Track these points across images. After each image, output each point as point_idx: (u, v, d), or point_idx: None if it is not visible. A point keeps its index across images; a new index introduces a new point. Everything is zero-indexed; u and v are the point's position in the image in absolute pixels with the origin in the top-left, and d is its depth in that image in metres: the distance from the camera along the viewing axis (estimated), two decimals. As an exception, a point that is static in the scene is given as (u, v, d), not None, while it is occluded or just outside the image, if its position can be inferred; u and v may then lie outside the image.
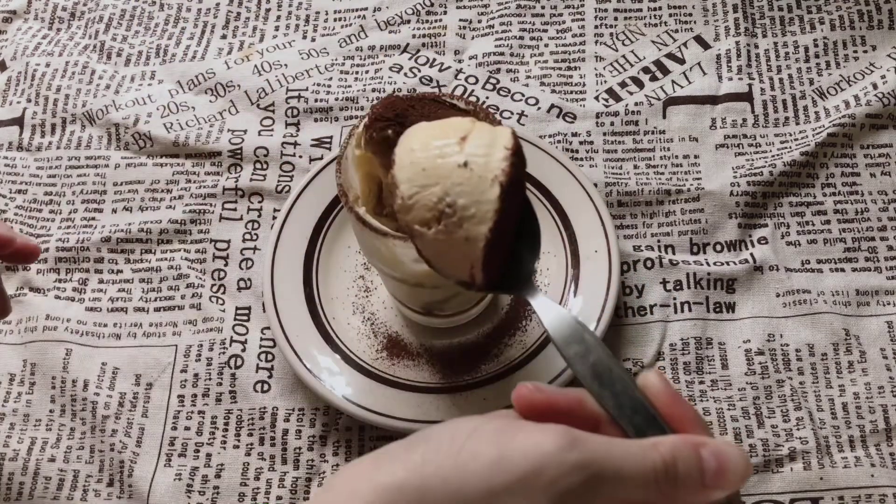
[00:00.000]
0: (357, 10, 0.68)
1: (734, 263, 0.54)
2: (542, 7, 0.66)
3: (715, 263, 0.55)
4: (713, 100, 0.61)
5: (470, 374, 0.51)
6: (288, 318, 0.52)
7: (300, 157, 0.61)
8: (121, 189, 0.61)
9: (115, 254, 0.59)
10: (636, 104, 0.61)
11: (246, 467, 0.51)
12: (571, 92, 0.62)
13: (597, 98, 0.62)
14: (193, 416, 0.53)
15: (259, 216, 0.59)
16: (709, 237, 0.56)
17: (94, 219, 0.60)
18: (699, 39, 0.64)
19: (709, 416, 0.50)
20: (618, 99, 0.62)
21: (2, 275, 0.59)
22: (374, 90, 0.63)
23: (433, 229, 0.36)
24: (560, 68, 0.63)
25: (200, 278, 0.57)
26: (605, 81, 0.62)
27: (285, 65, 0.65)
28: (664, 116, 0.61)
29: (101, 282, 0.58)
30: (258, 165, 0.61)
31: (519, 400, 0.32)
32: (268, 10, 0.69)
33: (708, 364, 0.52)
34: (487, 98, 0.62)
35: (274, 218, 0.58)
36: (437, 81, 0.63)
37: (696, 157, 0.59)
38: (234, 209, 0.59)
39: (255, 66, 0.65)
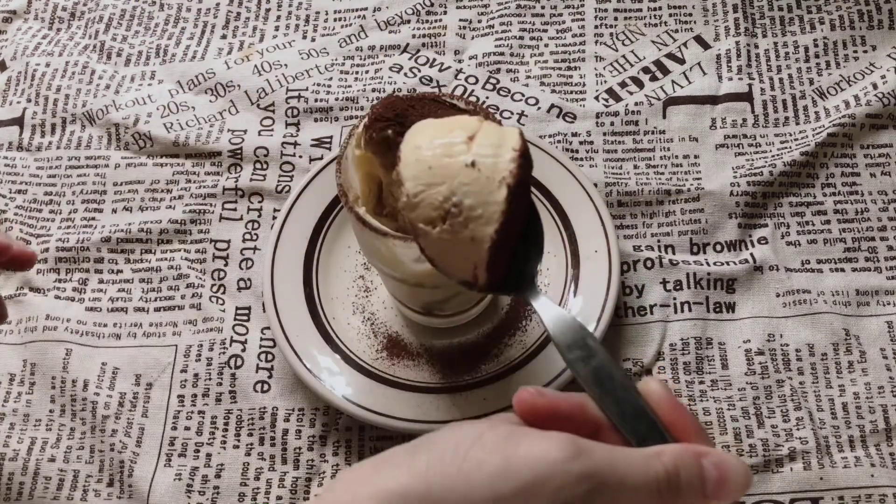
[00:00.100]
0: (357, 10, 0.68)
1: (734, 263, 0.54)
2: (542, 7, 0.66)
3: (715, 263, 0.55)
4: (713, 100, 0.61)
5: (470, 374, 0.51)
6: (288, 318, 0.52)
7: (300, 157, 0.61)
8: (121, 189, 0.61)
9: (115, 254, 0.59)
10: (636, 104, 0.61)
11: (246, 467, 0.51)
12: (571, 92, 0.62)
13: (597, 98, 0.62)
14: (193, 416, 0.53)
15: (259, 216, 0.59)
16: (709, 237, 0.56)
17: (94, 219, 0.60)
18: (699, 39, 0.64)
19: (709, 416, 0.50)
20: (618, 99, 0.62)
21: (2, 275, 0.59)
22: (374, 90, 0.63)
23: (438, 228, 0.36)
24: (560, 68, 0.63)
25: (200, 278, 0.57)
26: (605, 81, 0.62)
27: (285, 65, 0.65)
28: (664, 116, 0.61)
29: (101, 282, 0.58)
30: (258, 165, 0.61)
31: (521, 404, 0.32)
32: (268, 10, 0.69)
33: (708, 364, 0.52)
34: (487, 98, 0.62)
35: (274, 218, 0.58)
36: (437, 81, 0.63)
37: (696, 157, 0.59)
38: (234, 209, 0.59)
39: (255, 66, 0.65)
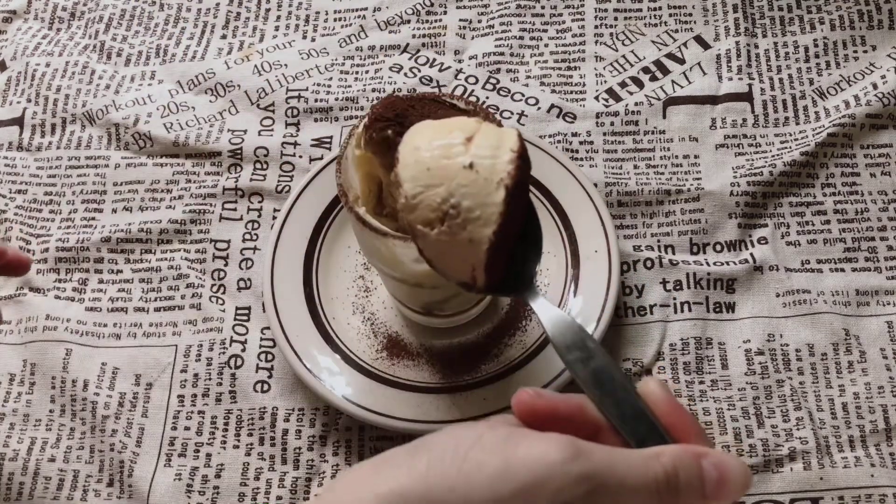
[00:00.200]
0: (357, 10, 0.68)
1: (734, 263, 0.54)
2: (542, 7, 0.66)
3: (715, 263, 0.55)
4: (713, 100, 0.61)
5: (470, 374, 0.51)
6: (288, 318, 0.52)
7: (300, 157, 0.61)
8: (121, 189, 0.61)
9: (115, 254, 0.59)
10: (636, 104, 0.61)
11: (246, 467, 0.51)
12: (571, 92, 0.62)
13: (597, 98, 0.62)
14: (193, 416, 0.53)
15: (259, 216, 0.59)
16: (709, 237, 0.56)
17: (94, 219, 0.60)
18: (699, 39, 0.64)
19: (709, 416, 0.50)
20: (618, 99, 0.62)
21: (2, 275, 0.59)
22: (374, 90, 0.63)
23: (436, 230, 0.36)
24: (560, 68, 0.63)
25: (200, 278, 0.57)
26: (605, 81, 0.62)
27: (285, 65, 0.65)
28: (664, 116, 0.61)
29: (101, 282, 0.58)
30: (258, 165, 0.61)
31: (520, 406, 0.32)
32: (268, 10, 0.69)
33: (708, 364, 0.52)
34: (487, 98, 0.62)
35: (274, 218, 0.58)
36: (437, 81, 0.63)
37: (696, 157, 0.59)
38: (234, 209, 0.59)
39: (255, 66, 0.65)
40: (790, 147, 0.58)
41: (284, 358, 0.52)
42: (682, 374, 0.52)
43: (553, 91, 0.62)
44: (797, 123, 0.60)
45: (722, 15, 0.64)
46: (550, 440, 0.29)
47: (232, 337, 0.55)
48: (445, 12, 0.67)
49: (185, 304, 0.56)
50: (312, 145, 0.61)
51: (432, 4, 0.67)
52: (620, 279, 0.53)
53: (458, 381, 0.51)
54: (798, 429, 0.49)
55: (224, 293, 0.56)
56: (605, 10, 0.66)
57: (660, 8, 0.65)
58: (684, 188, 0.57)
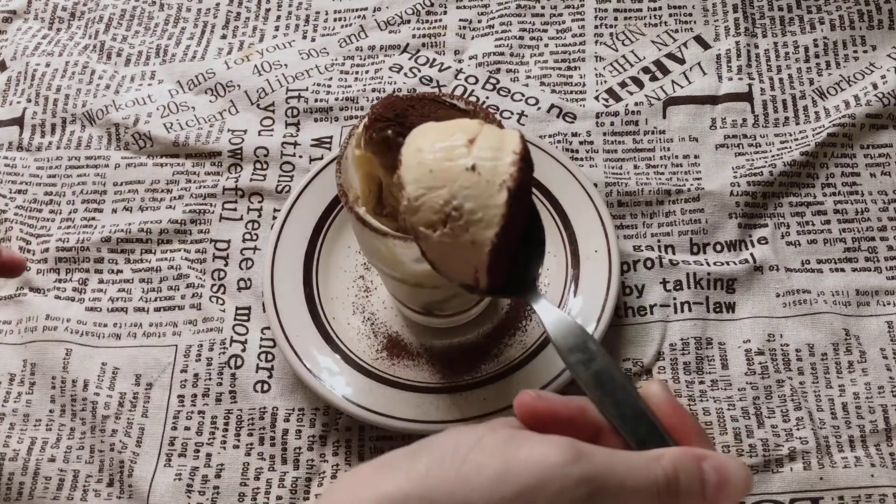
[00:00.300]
0: (357, 10, 0.68)
1: (734, 263, 0.54)
2: (542, 7, 0.66)
3: (715, 263, 0.55)
4: (713, 100, 0.61)
5: (470, 374, 0.51)
6: (288, 318, 0.52)
7: (300, 157, 0.61)
8: (121, 189, 0.61)
9: (115, 254, 0.59)
10: (636, 104, 0.61)
11: (246, 467, 0.51)
12: (571, 92, 0.62)
13: (597, 98, 0.62)
14: (193, 416, 0.53)
15: (259, 216, 0.59)
16: (709, 237, 0.56)
17: (94, 219, 0.60)
18: (699, 39, 0.64)
19: (709, 416, 0.50)
20: (618, 99, 0.62)
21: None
22: (374, 90, 0.63)
23: (439, 232, 0.36)
24: (560, 68, 0.63)
25: (200, 278, 0.57)
26: (605, 81, 0.63)
27: (285, 65, 0.65)
28: (664, 116, 0.61)
29: (101, 282, 0.58)
30: (258, 165, 0.61)
31: (521, 408, 0.32)
32: (268, 10, 0.69)
33: (708, 364, 0.52)
34: (487, 98, 0.62)
35: (274, 218, 0.58)
36: (437, 81, 0.63)
37: (696, 157, 0.59)
38: (234, 209, 0.59)
39: (255, 66, 0.65)
40: (790, 147, 0.58)
41: (284, 358, 0.52)
42: (682, 374, 0.52)
43: (553, 91, 0.62)
44: (797, 123, 0.60)
45: (722, 15, 0.64)
46: (551, 442, 0.29)
47: (232, 337, 0.55)
48: (445, 12, 0.67)
49: (185, 304, 0.56)
50: (312, 145, 0.61)
51: (432, 4, 0.67)
52: (620, 279, 0.53)
53: (458, 381, 0.51)
54: (798, 429, 0.49)
55: (224, 293, 0.56)
56: (605, 10, 0.66)
57: (660, 8, 0.65)
58: (684, 188, 0.57)
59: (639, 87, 0.62)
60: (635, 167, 0.59)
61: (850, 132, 0.58)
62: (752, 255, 0.55)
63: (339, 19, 0.68)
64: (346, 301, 0.55)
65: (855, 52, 0.62)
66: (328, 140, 0.61)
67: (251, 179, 0.60)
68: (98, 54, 0.68)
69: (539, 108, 0.61)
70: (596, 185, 0.56)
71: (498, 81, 0.63)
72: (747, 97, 0.61)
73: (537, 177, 0.55)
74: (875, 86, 0.60)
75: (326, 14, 0.68)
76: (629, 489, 0.29)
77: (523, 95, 0.62)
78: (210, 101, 0.64)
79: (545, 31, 0.65)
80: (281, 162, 0.61)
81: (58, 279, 0.58)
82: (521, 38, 0.65)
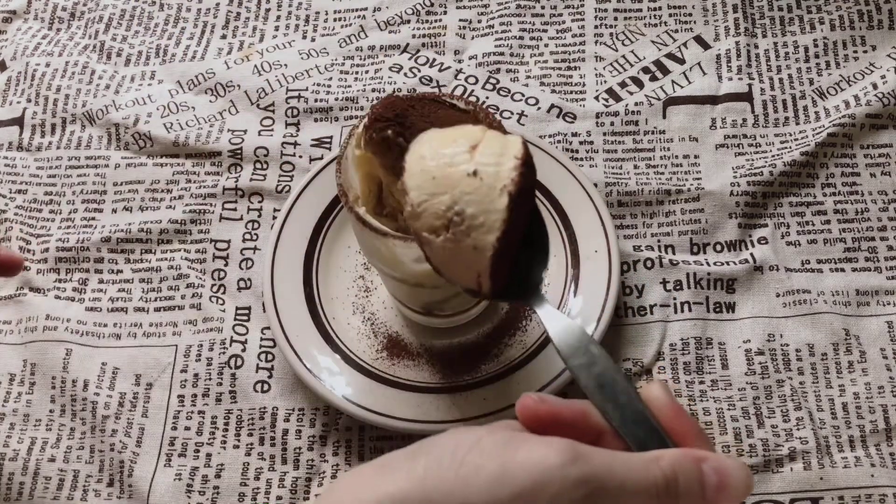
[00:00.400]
0: (357, 10, 0.68)
1: (734, 263, 0.54)
2: (542, 7, 0.66)
3: (715, 263, 0.55)
4: (713, 100, 0.61)
5: (470, 374, 0.51)
6: (288, 318, 0.52)
7: (300, 157, 0.61)
8: (121, 189, 0.61)
9: (115, 254, 0.59)
10: (636, 104, 0.61)
11: (246, 467, 0.51)
12: (571, 92, 0.62)
13: (597, 98, 0.62)
14: (193, 416, 0.53)
15: (259, 216, 0.59)
16: (709, 237, 0.56)
17: (94, 219, 0.60)
18: (699, 39, 0.64)
19: (709, 416, 0.50)
20: (618, 99, 0.62)
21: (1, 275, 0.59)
22: (374, 90, 0.63)
23: (441, 237, 0.36)
24: (560, 68, 0.63)
25: (200, 278, 0.57)
26: (605, 81, 0.63)
27: (285, 65, 0.65)
28: (664, 116, 0.61)
29: (101, 282, 0.58)
30: (258, 165, 0.61)
31: (523, 411, 0.32)
32: (268, 10, 0.69)
33: (708, 364, 0.52)
34: (487, 98, 0.62)
35: (274, 218, 0.58)
36: (437, 81, 0.63)
37: (696, 157, 0.59)
38: (234, 209, 0.59)
39: (255, 66, 0.65)
40: (790, 147, 0.58)
41: (284, 358, 0.52)
42: (682, 374, 0.52)
43: (553, 91, 0.62)
44: (797, 123, 0.60)
45: (722, 15, 0.64)
46: (550, 444, 0.29)
47: (232, 337, 0.55)
48: (445, 12, 0.67)
49: (185, 304, 0.56)
50: (312, 145, 0.61)
51: (432, 4, 0.67)
52: (620, 279, 0.53)
53: (458, 381, 0.51)
54: (798, 429, 0.49)
55: (224, 293, 0.56)
56: (605, 10, 0.66)
57: (660, 8, 0.65)
58: (684, 188, 0.57)
59: (639, 87, 0.62)
60: (635, 167, 0.59)
61: (850, 132, 0.58)
62: (752, 255, 0.55)
63: (339, 19, 0.68)
64: (346, 301, 0.55)
65: (855, 52, 0.62)
66: (328, 140, 0.61)
67: (251, 179, 0.60)
68: (98, 54, 0.68)
69: (539, 108, 0.61)
70: (596, 185, 0.56)
71: (498, 81, 0.63)
72: (747, 97, 0.61)
73: (538, 177, 0.55)
74: (875, 86, 0.60)
75: (326, 14, 0.68)
76: (628, 490, 0.29)
77: (523, 95, 0.62)
78: (210, 101, 0.64)
79: (545, 31, 0.65)
80: (281, 162, 0.61)
81: (58, 279, 0.58)
82: (521, 38, 0.65)
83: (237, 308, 0.56)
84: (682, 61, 0.63)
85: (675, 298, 0.54)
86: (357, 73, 0.65)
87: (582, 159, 0.59)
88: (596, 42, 0.64)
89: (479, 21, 0.66)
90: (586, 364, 0.34)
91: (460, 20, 0.66)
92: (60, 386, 0.54)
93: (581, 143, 0.60)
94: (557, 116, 0.61)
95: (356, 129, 0.44)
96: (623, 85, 0.62)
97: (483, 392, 0.50)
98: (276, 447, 0.52)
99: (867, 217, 0.56)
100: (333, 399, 0.50)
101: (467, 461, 0.29)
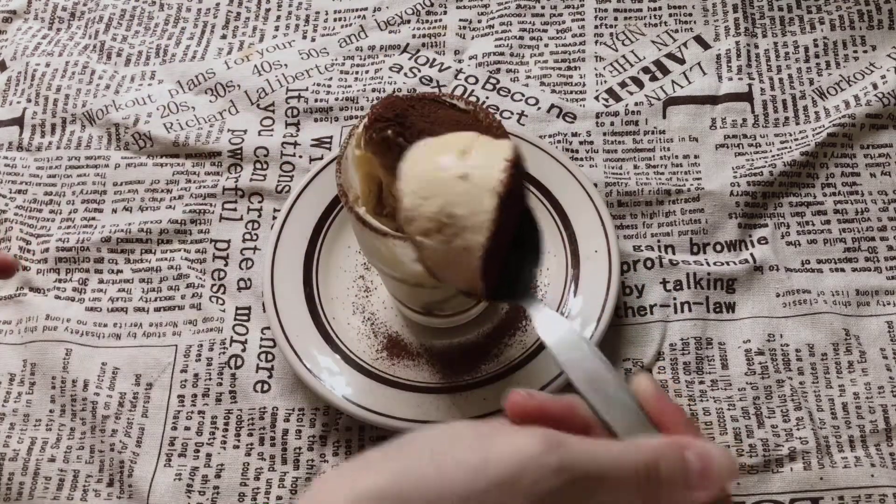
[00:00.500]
0: (357, 10, 0.68)
1: (734, 263, 0.54)
2: (542, 7, 0.66)
3: (715, 263, 0.55)
4: (713, 100, 0.61)
5: (470, 374, 0.51)
6: (288, 318, 0.52)
7: (300, 157, 0.61)
8: (121, 189, 0.61)
9: (115, 254, 0.59)
10: (636, 104, 0.61)
11: (246, 467, 0.51)
12: (571, 92, 0.62)
13: (597, 98, 0.62)
14: (193, 416, 0.53)
15: (259, 216, 0.59)
16: (709, 237, 0.56)
17: (94, 219, 0.60)
18: (699, 39, 0.64)
19: (709, 416, 0.50)
20: (618, 99, 0.62)
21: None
22: (374, 90, 0.63)
23: (434, 239, 0.37)
24: (560, 68, 0.63)
25: (200, 278, 0.57)
26: (605, 81, 0.63)
27: (285, 65, 0.65)
28: (664, 116, 0.61)
29: (101, 282, 0.58)
30: (258, 165, 0.61)
31: (511, 407, 0.32)
32: (268, 10, 0.69)
33: (708, 364, 0.52)
34: (487, 98, 0.62)
35: (274, 218, 0.58)
36: (437, 81, 0.63)
37: (696, 157, 0.59)
38: (234, 209, 0.59)
39: (255, 66, 0.65)
40: (790, 147, 0.58)
41: (284, 358, 0.52)
42: (682, 374, 0.52)
43: (553, 91, 0.62)
44: (797, 123, 0.60)
45: (722, 15, 0.64)
46: (528, 433, 0.29)
47: (232, 337, 0.55)
48: (445, 12, 0.67)
49: (185, 304, 0.56)
50: (312, 145, 0.61)
51: (432, 4, 0.67)
52: (620, 279, 0.53)
53: (458, 381, 0.51)
54: (798, 429, 0.50)
55: (224, 293, 0.56)
56: (605, 10, 0.66)
57: (660, 8, 0.65)
58: (684, 188, 0.57)
59: (639, 87, 0.62)
60: (635, 167, 0.59)
61: (850, 132, 0.58)
62: (752, 255, 0.55)
63: (339, 19, 0.68)
64: (346, 301, 0.55)
65: (855, 52, 0.62)
66: (328, 140, 0.61)
67: (251, 179, 0.60)
68: (98, 54, 0.68)
69: (539, 108, 0.61)
70: (596, 185, 0.56)
71: (498, 81, 0.63)
72: (747, 97, 0.61)
73: (537, 177, 0.55)
74: (875, 86, 0.60)
75: (326, 14, 0.68)
76: (609, 477, 0.29)
77: (523, 95, 0.62)
78: (210, 101, 0.64)
79: (545, 31, 0.65)
80: (281, 162, 0.61)
81: (58, 279, 0.58)
82: (521, 38, 0.65)
83: (237, 308, 0.56)
84: (682, 61, 0.63)
85: (675, 298, 0.54)
86: (357, 73, 0.65)
87: (582, 159, 0.59)
88: (596, 42, 0.64)
89: (480, 21, 0.66)
90: (575, 358, 0.34)
91: (460, 20, 0.66)
92: (60, 386, 0.54)
93: (581, 143, 0.60)
94: (557, 116, 0.61)
95: (356, 129, 0.44)
96: (623, 85, 0.62)
97: (483, 392, 0.50)
98: (276, 447, 0.52)
99: (867, 217, 0.56)
100: (333, 399, 0.50)
101: (446, 454, 0.29)
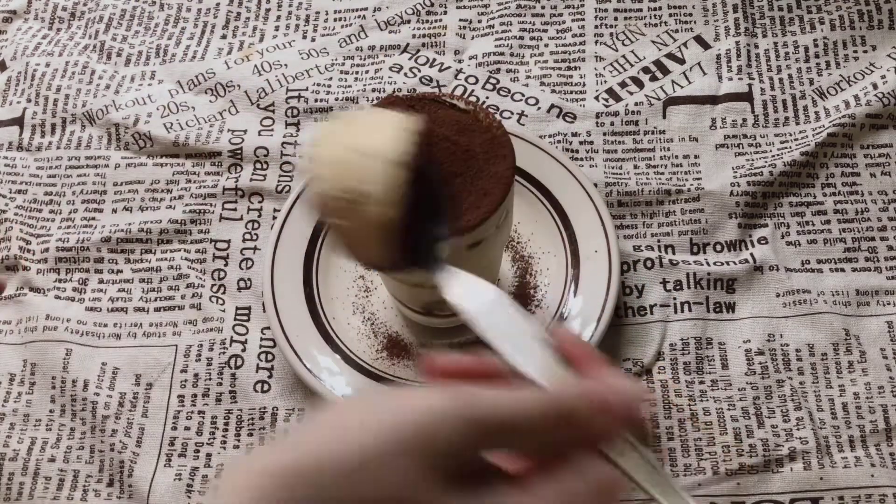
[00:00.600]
0: (357, 10, 0.68)
1: (734, 263, 0.54)
2: (542, 7, 0.66)
3: (715, 263, 0.55)
4: (713, 100, 0.61)
5: (470, 374, 0.51)
6: (288, 318, 0.52)
7: (300, 157, 0.61)
8: (121, 189, 0.61)
9: (115, 254, 0.59)
10: (636, 104, 0.61)
11: (246, 467, 0.51)
12: (571, 92, 0.62)
13: (597, 98, 0.62)
14: (193, 416, 0.53)
15: (259, 216, 0.59)
16: (709, 237, 0.56)
17: (94, 219, 0.60)
18: (699, 39, 0.64)
19: (709, 416, 0.50)
20: (618, 99, 0.62)
21: (2, 275, 0.59)
22: (374, 90, 0.63)
23: (340, 218, 0.37)
24: (560, 68, 0.63)
25: (200, 278, 0.57)
26: (605, 81, 0.63)
27: (285, 65, 0.65)
28: (664, 116, 0.61)
29: (101, 282, 0.58)
30: (258, 165, 0.61)
31: (426, 368, 0.32)
32: (268, 10, 0.69)
33: (708, 364, 0.52)
34: (487, 98, 0.62)
35: (274, 218, 0.58)
36: (437, 81, 0.63)
37: (696, 157, 0.59)
38: (234, 209, 0.59)
39: (255, 66, 0.65)
40: (790, 147, 0.58)
41: (284, 358, 0.52)
42: (683, 374, 0.52)
43: (553, 91, 0.62)
44: (797, 123, 0.60)
45: (722, 15, 0.64)
46: (433, 390, 0.29)
47: (232, 337, 0.55)
48: (445, 12, 0.67)
49: (186, 304, 0.56)
50: (312, 145, 0.61)
51: (432, 4, 0.67)
52: (620, 279, 0.53)
53: (458, 381, 0.51)
54: (798, 429, 0.50)
55: (224, 293, 0.56)
56: (605, 10, 0.66)
57: (660, 8, 0.65)
58: (684, 188, 0.57)
59: (639, 87, 0.62)
60: (635, 167, 0.59)
61: (850, 132, 0.58)
62: (752, 255, 0.55)
63: (339, 19, 0.68)
64: (346, 301, 0.55)
65: (855, 52, 0.62)
66: (328, 140, 0.61)
67: (251, 179, 0.60)
68: (98, 54, 0.68)
69: (539, 108, 0.61)
70: (596, 185, 0.56)
71: (498, 81, 0.63)
72: (747, 97, 0.61)
73: (538, 177, 0.56)
74: (875, 86, 0.60)
75: (326, 14, 0.68)
76: (519, 424, 0.29)
77: (523, 95, 0.62)
78: (210, 101, 0.64)
79: (545, 31, 0.65)
80: (281, 162, 0.61)
81: (58, 279, 0.58)
82: (521, 38, 0.65)
83: (237, 308, 0.56)
84: (682, 61, 0.63)
85: (675, 298, 0.54)
86: (357, 73, 0.65)
87: (582, 159, 0.59)
88: (596, 42, 0.64)
89: (480, 21, 0.66)
90: (484, 312, 0.34)
91: (460, 20, 0.66)
92: (60, 386, 0.54)
93: (581, 143, 0.60)
94: (557, 116, 0.61)
95: (356, 129, 0.44)
96: (623, 85, 0.62)
97: (483, 392, 0.50)
98: (276, 447, 0.52)
99: (867, 217, 0.56)
100: (333, 399, 0.50)
101: (352, 421, 0.28)
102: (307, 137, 0.61)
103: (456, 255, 0.42)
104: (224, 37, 0.68)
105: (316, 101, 0.63)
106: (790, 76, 0.62)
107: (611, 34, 0.65)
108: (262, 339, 0.55)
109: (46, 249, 0.59)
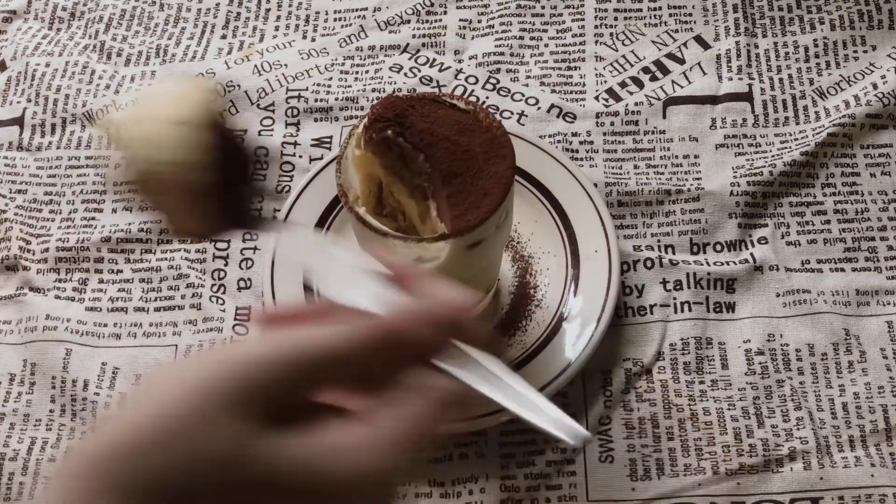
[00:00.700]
0: (357, 10, 0.68)
1: (734, 263, 0.54)
2: (542, 7, 0.66)
3: (715, 263, 0.55)
4: (713, 100, 0.61)
5: (470, 374, 0.51)
6: (288, 318, 0.52)
7: (300, 157, 0.61)
8: (121, 189, 0.61)
9: (115, 254, 0.59)
10: (636, 104, 0.61)
11: (246, 467, 0.51)
12: (571, 92, 0.62)
13: (597, 98, 0.62)
14: (193, 416, 0.53)
15: (259, 216, 0.59)
16: (709, 237, 0.56)
17: (94, 219, 0.60)
18: (699, 39, 0.64)
19: (709, 416, 0.50)
20: (618, 99, 0.62)
21: (2, 275, 0.59)
22: (374, 90, 0.63)
23: (152, 191, 0.37)
24: (560, 68, 0.63)
25: (200, 278, 0.57)
26: (605, 81, 0.63)
27: (285, 65, 0.65)
28: (664, 116, 0.61)
29: (101, 282, 0.58)
30: (258, 165, 0.61)
31: (260, 318, 0.32)
32: (268, 10, 0.69)
33: (708, 364, 0.52)
34: (487, 98, 0.62)
35: (274, 218, 0.58)
36: (437, 81, 0.63)
37: (696, 157, 0.59)
38: (234, 209, 0.59)
39: (255, 66, 0.65)
40: (790, 147, 0.58)
41: (284, 358, 0.52)
42: (682, 374, 0.52)
43: (553, 91, 0.62)
44: (797, 123, 0.60)
45: (722, 15, 0.64)
46: (250, 341, 0.29)
47: (232, 337, 0.55)
48: (445, 12, 0.67)
49: (186, 304, 0.56)
50: (312, 145, 0.61)
51: (432, 4, 0.67)
52: (620, 279, 0.53)
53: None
54: (798, 429, 0.50)
55: (224, 293, 0.56)
56: (605, 10, 0.66)
57: (660, 8, 0.65)
58: (684, 188, 0.57)
59: (639, 87, 0.62)
60: (635, 167, 0.59)
61: (850, 132, 0.58)
62: (752, 254, 0.55)
63: (339, 19, 0.68)
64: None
65: (855, 52, 0.62)
66: (328, 140, 0.61)
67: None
68: (98, 54, 0.68)
69: (539, 108, 0.61)
70: (596, 185, 0.56)
71: (498, 81, 0.63)
72: (747, 97, 0.61)
73: (538, 177, 0.56)
74: (875, 86, 0.60)
75: (326, 14, 0.68)
76: (340, 353, 0.29)
77: (523, 95, 0.62)
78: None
79: (545, 31, 0.65)
80: (281, 162, 0.61)
81: (58, 279, 0.58)
82: (521, 38, 0.65)
83: (237, 308, 0.56)
84: (682, 61, 0.63)
85: (675, 298, 0.54)
86: (357, 73, 0.65)
87: (582, 159, 0.59)
88: (596, 42, 0.64)
89: (479, 21, 0.66)
90: (310, 255, 0.35)
91: (460, 20, 0.66)
92: (60, 386, 0.54)
93: (581, 143, 0.60)
94: (557, 116, 0.61)
95: (356, 129, 0.44)
96: (623, 85, 0.62)
97: (483, 392, 0.50)
98: (276, 447, 0.51)
99: (867, 217, 0.56)
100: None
101: (163, 389, 0.27)
102: (307, 137, 0.61)
103: (456, 255, 0.42)
104: (224, 37, 0.68)
105: (316, 101, 0.63)
106: (790, 76, 0.62)
107: (611, 34, 0.65)
108: (262, 339, 0.55)
109: (46, 249, 0.59)
